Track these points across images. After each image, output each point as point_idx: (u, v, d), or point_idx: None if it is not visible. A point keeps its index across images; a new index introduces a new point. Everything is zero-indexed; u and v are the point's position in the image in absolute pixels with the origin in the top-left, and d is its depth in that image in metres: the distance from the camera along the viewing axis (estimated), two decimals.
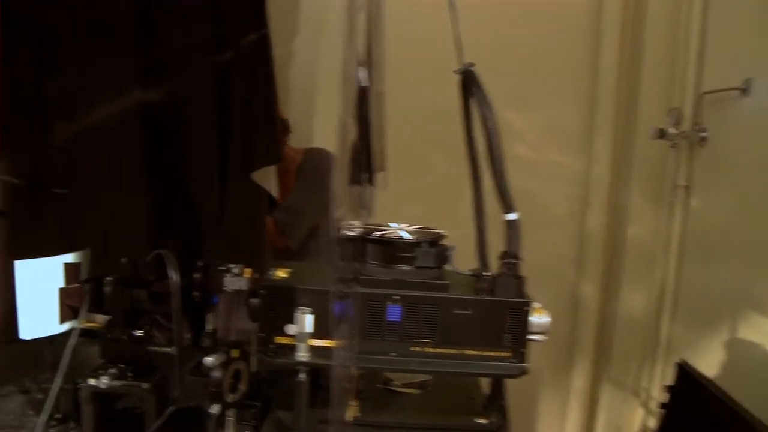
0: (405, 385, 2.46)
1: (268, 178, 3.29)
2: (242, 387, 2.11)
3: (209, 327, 2.25)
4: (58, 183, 3.20)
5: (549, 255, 4.52)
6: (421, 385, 2.48)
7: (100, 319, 2.38)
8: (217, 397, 2.01)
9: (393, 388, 2.45)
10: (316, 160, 3.95)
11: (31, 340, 2.82)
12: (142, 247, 2.74)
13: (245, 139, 3.23)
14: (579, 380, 4.70)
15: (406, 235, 2.06)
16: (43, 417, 2.27)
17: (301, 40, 4.30)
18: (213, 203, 3.31)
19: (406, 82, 3.48)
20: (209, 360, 2.00)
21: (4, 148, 3.28)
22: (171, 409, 2.25)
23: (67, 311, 2.30)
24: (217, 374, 2.00)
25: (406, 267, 2.05)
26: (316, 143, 4.13)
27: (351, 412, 2.22)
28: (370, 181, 2.12)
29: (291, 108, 4.17)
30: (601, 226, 4.57)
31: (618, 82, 4.40)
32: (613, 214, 4.53)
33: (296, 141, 4.05)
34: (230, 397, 2.05)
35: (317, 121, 4.28)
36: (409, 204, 3.49)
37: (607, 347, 4.54)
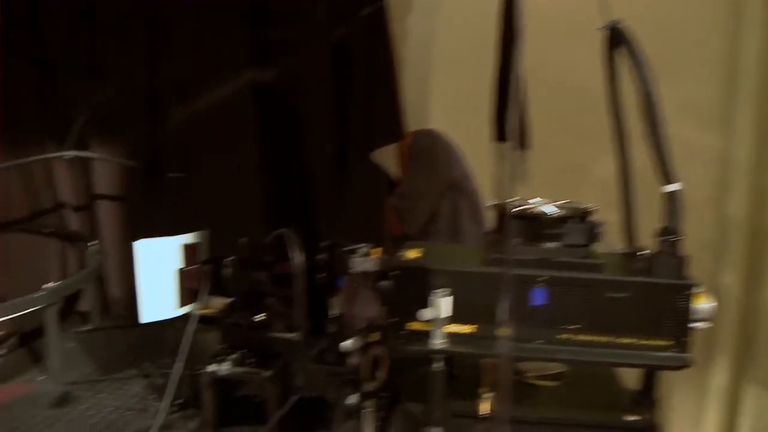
0: (539, 377, 2.25)
1: (387, 159, 3.15)
2: (381, 374, 1.93)
3: (334, 311, 2.10)
4: (173, 167, 3.16)
5: (684, 241, 4.16)
6: (556, 377, 2.26)
7: (218, 303, 2.29)
8: (353, 386, 1.85)
9: (527, 380, 2.24)
10: (426, 142, 3.78)
11: (151, 324, 2.78)
12: (259, 229, 2.65)
13: (366, 117, 3.10)
14: (719, 378, 4.32)
15: (552, 210, 1.84)
16: (165, 402, 2.19)
17: (415, 17, 4.12)
18: (331, 183, 3.19)
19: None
20: (347, 344, 1.85)
21: (122, 133, 3.28)
22: (294, 398, 2.13)
23: (187, 294, 2.22)
24: (354, 360, 1.85)
25: (552, 245, 1.84)
26: (432, 125, 3.95)
27: (485, 406, 2.03)
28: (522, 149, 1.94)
29: (405, 88, 4.00)
30: (743, 210, 4.17)
31: (762, 51, 3.99)
32: (756, 197, 4.12)
33: (410, 123, 3.89)
34: (368, 386, 1.89)
35: (433, 102, 4.10)
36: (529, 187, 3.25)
37: (751, 342, 4.14)
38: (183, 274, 2.20)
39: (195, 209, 2.98)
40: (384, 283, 1.90)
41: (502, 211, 1.88)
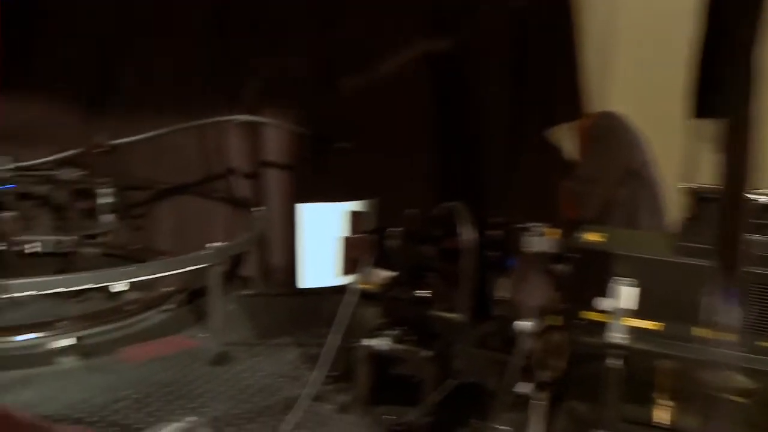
0: (726, 390, 1.97)
1: (564, 139, 2.93)
2: (560, 364, 1.71)
3: (501, 293, 1.93)
4: (342, 136, 3.11)
5: None
6: (746, 393, 1.97)
7: (380, 278, 2.19)
8: (525, 374, 1.68)
9: (714, 393, 1.97)
10: (607, 125, 3.48)
11: (309, 293, 2.75)
12: (428, 201, 2.53)
13: (544, 92, 2.89)
14: None
15: None
16: (318, 372, 2.13)
17: None
18: (504, 158, 3.02)
19: None
20: (523, 324, 1.68)
21: (293, 100, 3.27)
22: (452, 382, 1.99)
23: (349, 262, 2.14)
24: (528, 345, 1.68)
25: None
26: (613, 107, 3.65)
27: (665, 415, 1.79)
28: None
29: (585, 65, 3.73)
30: None
31: None
32: None
33: (590, 103, 3.61)
34: (543, 376, 1.71)
35: (614, 83, 3.79)
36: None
37: None
38: (347, 242, 2.13)
39: (362, 178, 2.91)
40: (559, 267, 1.71)
41: (697, 195, 1.63)
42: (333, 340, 2.18)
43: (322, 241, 2.10)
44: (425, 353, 2.04)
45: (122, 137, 3.90)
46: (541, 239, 1.82)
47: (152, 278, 2.34)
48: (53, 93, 4.11)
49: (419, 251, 2.07)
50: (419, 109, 3.08)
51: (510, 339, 1.77)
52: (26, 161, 4.03)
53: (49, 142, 3.88)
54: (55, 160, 3.27)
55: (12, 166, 3.30)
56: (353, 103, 3.19)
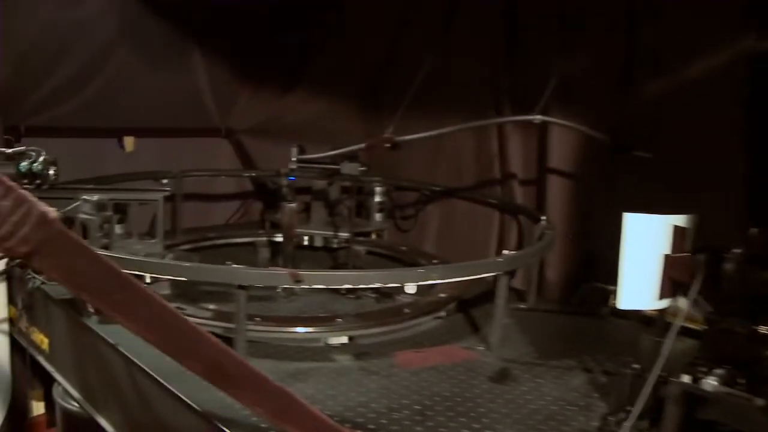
0: None
1: None
2: None
3: None
4: (642, 144, 2.79)
5: None
6: None
7: (704, 306, 1.88)
8: None
9: None
10: None
11: (586, 313, 2.50)
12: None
13: None
14: None
15: None
16: (632, 413, 1.85)
17: None
18: None
19: None
20: None
21: (590, 103, 3.02)
22: None
23: (669, 285, 1.84)
24: None
25: None
26: None
27: None
28: None
29: None
30: None
31: None
32: None
33: None
34: None
35: None
36: None
37: None
38: (668, 261, 1.83)
39: (668, 191, 2.58)
40: None
41: None
42: (636, 370, 1.92)
43: (644, 257, 1.83)
44: (759, 401, 1.69)
45: (399, 134, 3.91)
46: None
47: (437, 283, 2.21)
48: (335, 90, 4.23)
49: (764, 278, 1.72)
50: (739, 116, 2.66)
51: None
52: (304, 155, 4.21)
53: (327, 137, 4.00)
54: (336, 155, 3.31)
55: (294, 158, 3.41)
56: (655, 109, 2.86)
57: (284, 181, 3.76)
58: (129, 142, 4.17)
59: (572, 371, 2.45)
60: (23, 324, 3.08)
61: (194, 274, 2.41)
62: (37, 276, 2.76)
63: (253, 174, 4.15)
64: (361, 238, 3.65)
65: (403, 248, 3.62)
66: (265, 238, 3.66)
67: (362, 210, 3.91)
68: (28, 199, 0.89)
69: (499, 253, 3.53)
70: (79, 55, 3.70)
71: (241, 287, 2.21)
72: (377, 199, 3.56)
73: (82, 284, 0.95)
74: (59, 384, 2.93)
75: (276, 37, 4.27)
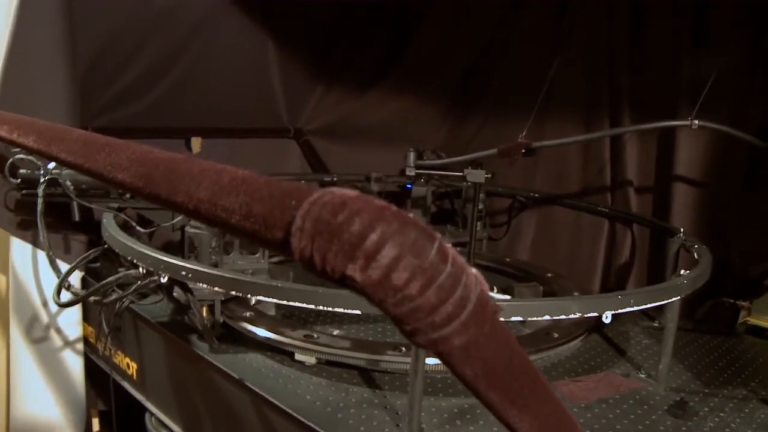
0: None
1: None
2: None
3: None
4: None
5: None
6: None
7: None
8: None
9: None
10: None
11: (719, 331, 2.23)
12: None
13: None
14: None
15: None
16: None
17: None
18: None
19: None
20: None
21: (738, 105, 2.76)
22: None
23: None
24: None
25: None
26: None
27: None
28: None
29: None
30: None
31: None
32: None
33: None
34: None
35: None
36: None
37: None
38: None
39: None
40: None
41: None
42: None
43: None
44: None
45: (485, 139, 3.66)
46: None
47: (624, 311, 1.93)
48: (418, 90, 3.97)
49: None
50: None
51: None
52: (383, 158, 3.94)
53: (405, 140, 3.74)
54: (461, 161, 3.03)
55: (411, 164, 3.13)
56: None
57: (375, 188, 3.50)
58: (196, 143, 3.89)
59: (748, 401, 2.20)
60: (102, 344, 2.82)
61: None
62: (121, 292, 2.47)
63: (336, 178, 3.87)
64: (458, 249, 3.38)
65: (507, 260, 3.35)
66: None
67: (456, 218, 3.64)
68: (465, 265, 0.62)
69: (610, 265, 3.29)
70: (152, 52, 3.45)
71: None
72: (479, 206, 3.27)
73: (498, 385, 0.68)
74: (152, 414, 2.67)
75: (354, 32, 4.01)
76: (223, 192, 0.71)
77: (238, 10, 3.58)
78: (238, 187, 0.71)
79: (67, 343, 3.03)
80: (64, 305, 2.55)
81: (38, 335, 2.98)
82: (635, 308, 1.88)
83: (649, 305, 1.96)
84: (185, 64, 3.62)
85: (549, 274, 3.08)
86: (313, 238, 0.61)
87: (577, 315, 1.84)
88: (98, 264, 3.01)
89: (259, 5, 3.62)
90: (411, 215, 0.62)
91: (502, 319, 0.66)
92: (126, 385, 2.81)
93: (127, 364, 2.80)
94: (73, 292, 2.47)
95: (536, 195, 3.56)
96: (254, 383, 2.10)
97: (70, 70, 2.80)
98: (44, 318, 2.94)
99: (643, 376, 2.32)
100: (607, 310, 1.84)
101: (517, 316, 1.74)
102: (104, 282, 2.44)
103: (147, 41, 3.42)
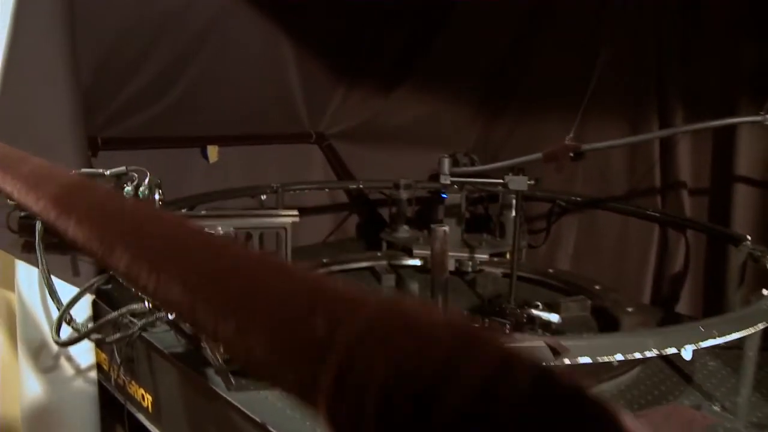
0: None
1: None
2: None
3: None
4: None
5: None
6: None
7: None
8: None
9: None
10: None
11: None
12: None
13: None
14: None
15: None
16: None
17: None
18: None
19: None
20: None
21: None
22: None
23: None
24: None
25: None
26: None
27: None
28: None
29: None
30: None
31: None
32: None
33: None
34: None
35: None
36: None
37: None
38: None
39: None
40: None
41: None
42: None
43: None
44: None
45: (519, 141, 3.43)
46: None
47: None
48: (446, 90, 3.72)
49: None
50: None
51: None
52: (411, 162, 3.71)
53: (433, 143, 3.51)
54: (502, 167, 2.77)
55: (446, 171, 2.87)
56: None
57: (404, 195, 3.26)
58: (213, 151, 3.66)
59: None
60: (115, 371, 2.62)
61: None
62: (136, 321, 2.26)
63: (362, 185, 3.64)
64: (495, 259, 3.13)
65: (550, 270, 3.08)
66: (385, 262, 3.13)
67: (493, 225, 3.38)
68: None
69: (662, 276, 3.03)
70: (162, 56, 3.20)
71: None
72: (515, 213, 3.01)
73: None
74: None
75: (376, 27, 3.75)
76: None
77: (250, 8, 3.34)
78: None
79: (79, 372, 2.83)
80: (63, 344, 2.30)
81: (48, 364, 2.78)
82: (719, 341, 1.62)
83: (735, 335, 1.69)
84: (197, 68, 3.38)
85: (597, 287, 2.81)
86: None
87: (654, 353, 1.57)
88: (110, 286, 2.81)
89: (271, 1, 3.37)
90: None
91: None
92: (141, 417, 2.61)
93: (142, 396, 2.60)
94: (74, 328, 2.22)
95: (578, 198, 3.30)
96: (275, 425, 1.88)
97: (72, 77, 2.58)
98: (53, 346, 2.74)
99: (717, 408, 2.05)
100: (688, 344, 1.57)
101: (584, 356, 1.48)
102: (103, 320, 2.25)
103: (155, 44, 3.18)
